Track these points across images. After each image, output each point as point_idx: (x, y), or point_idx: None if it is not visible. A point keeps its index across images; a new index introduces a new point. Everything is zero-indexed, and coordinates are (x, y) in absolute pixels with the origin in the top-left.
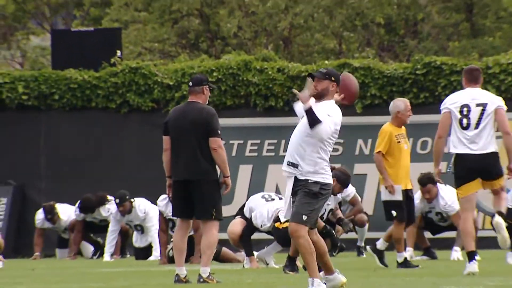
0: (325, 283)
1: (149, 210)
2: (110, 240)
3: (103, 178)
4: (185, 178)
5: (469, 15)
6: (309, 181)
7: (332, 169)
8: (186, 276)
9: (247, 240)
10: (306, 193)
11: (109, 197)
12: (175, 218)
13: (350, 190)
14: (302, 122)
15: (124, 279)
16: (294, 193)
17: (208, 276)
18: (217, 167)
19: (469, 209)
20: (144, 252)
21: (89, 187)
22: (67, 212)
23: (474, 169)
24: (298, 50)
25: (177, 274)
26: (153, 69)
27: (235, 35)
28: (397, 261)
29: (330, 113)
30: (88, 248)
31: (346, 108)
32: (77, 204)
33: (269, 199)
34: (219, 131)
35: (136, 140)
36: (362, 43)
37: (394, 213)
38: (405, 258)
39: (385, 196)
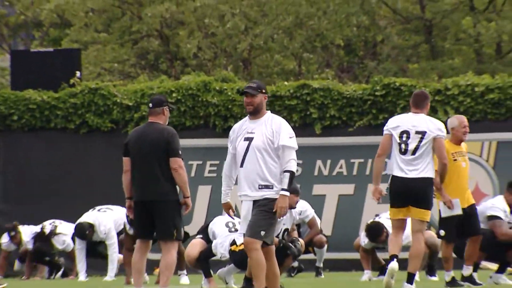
0: None
1: (110, 229)
2: (80, 258)
3: (63, 199)
4: (145, 199)
5: (428, 37)
6: (270, 199)
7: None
8: None
9: (205, 262)
10: (265, 210)
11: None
12: None
13: (309, 212)
14: (256, 145)
15: None
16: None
17: None
18: (177, 187)
19: (397, 229)
20: None
21: (50, 208)
22: (31, 233)
23: (404, 193)
24: (258, 71)
25: None
26: (112, 90)
27: (195, 56)
28: (445, 280)
29: (290, 134)
30: (43, 269)
31: (305, 129)
32: (29, 236)
33: (232, 229)
34: (180, 152)
35: (95, 160)
36: (321, 64)
37: (442, 232)
38: (453, 277)
39: (445, 212)
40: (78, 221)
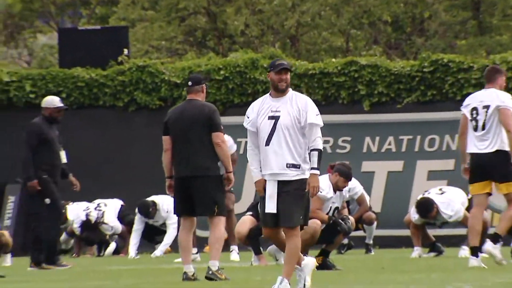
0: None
1: (171, 208)
2: (134, 239)
3: (111, 176)
4: (186, 174)
5: (476, 13)
6: (299, 180)
7: (332, 166)
8: (194, 273)
9: (255, 239)
10: (297, 194)
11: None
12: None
13: (358, 189)
14: (284, 123)
15: (133, 277)
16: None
17: (217, 270)
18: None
19: (478, 205)
20: None
21: (98, 184)
22: (75, 212)
23: (481, 168)
24: (305, 48)
25: (185, 272)
26: (160, 67)
27: (242, 33)
28: None
29: (316, 112)
30: (93, 246)
31: (354, 106)
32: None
33: None
34: (221, 126)
35: (143, 138)
36: (369, 41)
37: None
38: None
39: None
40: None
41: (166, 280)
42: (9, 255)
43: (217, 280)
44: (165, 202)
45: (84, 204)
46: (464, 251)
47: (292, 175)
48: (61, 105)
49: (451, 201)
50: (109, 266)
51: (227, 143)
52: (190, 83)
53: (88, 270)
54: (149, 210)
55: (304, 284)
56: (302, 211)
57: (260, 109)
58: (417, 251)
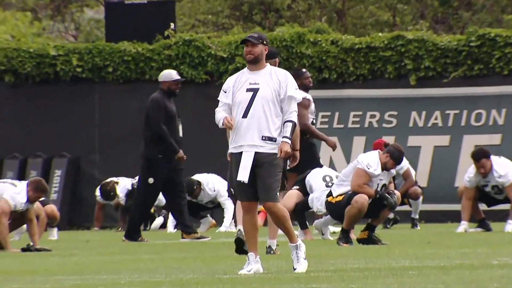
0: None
1: (218, 186)
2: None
3: None
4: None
5: None
6: (275, 155)
7: (386, 145)
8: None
9: (301, 214)
10: (274, 169)
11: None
12: None
13: (404, 163)
14: (263, 95)
15: (178, 251)
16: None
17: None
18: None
19: None
20: None
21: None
22: (124, 187)
23: None
24: (352, 22)
25: (269, 246)
26: (206, 42)
27: (289, 7)
28: None
29: (296, 86)
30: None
31: (400, 81)
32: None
33: (330, 183)
34: None
35: (190, 113)
36: (416, 16)
37: None
38: None
39: None
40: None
41: (211, 254)
42: (55, 229)
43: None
44: (210, 181)
45: (127, 180)
46: (511, 225)
47: (268, 148)
48: (178, 77)
49: (505, 163)
50: (155, 240)
51: None
52: None
53: (133, 243)
54: (194, 189)
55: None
56: (279, 185)
57: (237, 82)
58: (463, 226)
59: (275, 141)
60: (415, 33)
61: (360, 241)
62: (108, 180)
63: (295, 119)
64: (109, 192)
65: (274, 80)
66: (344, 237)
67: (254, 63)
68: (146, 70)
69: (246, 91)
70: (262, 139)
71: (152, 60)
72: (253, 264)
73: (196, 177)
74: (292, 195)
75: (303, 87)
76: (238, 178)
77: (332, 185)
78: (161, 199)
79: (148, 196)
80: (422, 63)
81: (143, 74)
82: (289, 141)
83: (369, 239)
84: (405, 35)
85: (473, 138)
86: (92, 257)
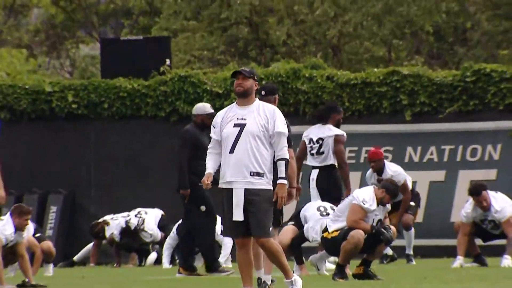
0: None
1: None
2: (166, 250)
3: (152, 186)
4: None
5: None
6: (265, 190)
7: (380, 180)
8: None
9: (297, 249)
10: (265, 205)
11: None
12: None
13: (402, 176)
14: (250, 131)
15: (174, 287)
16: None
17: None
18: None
19: None
20: None
21: (138, 194)
22: (118, 225)
23: None
24: (347, 58)
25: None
26: (202, 78)
27: (284, 43)
28: None
29: (284, 121)
30: (134, 256)
31: (395, 116)
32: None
33: (324, 213)
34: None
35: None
36: (411, 51)
37: None
38: None
39: None
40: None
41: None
42: (51, 265)
43: None
44: None
45: (123, 214)
46: (507, 260)
47: (257, 183)
48: (212, 111)
49: (502, 198)
50: (150, 276)
51: None
52: (263, 92)
53: (129, 279)
54: None
55: None
56: (271, 220)
57: (225, 117)
58: (458, 261)
59: (263, 176)
60: (410, 69)
61: (355, 276)
62: (100, 220)
63: (287, 156)
64: (97, 233)
65: (262, 115)
66: (340, 272)
67: (243, 96)
68: (142, 106)
69: (234, 126)
70: (250, 175)
71: (147, 96)
72: None
73: None
74: (288, 231)
75: (337, 123)
76: (234, 219)
77: (326, 215)
78: (156, 234)
79: (207, 222)
80: (418, 99)
81: (138, 110)
82: (286, 182)
83: (364, 275)
84: (400, 70)
85: (468, 173)
86: None
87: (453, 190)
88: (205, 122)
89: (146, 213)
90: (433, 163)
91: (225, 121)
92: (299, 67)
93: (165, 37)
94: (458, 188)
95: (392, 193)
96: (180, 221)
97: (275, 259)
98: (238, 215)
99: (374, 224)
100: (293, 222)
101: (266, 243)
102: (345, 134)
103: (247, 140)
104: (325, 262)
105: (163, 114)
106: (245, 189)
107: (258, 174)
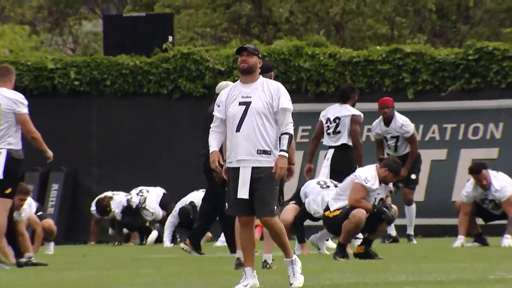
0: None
1: None
2: (168, 229)
3: (154, 164)
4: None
5: None
6: (271, 168)
7: (381, 159)
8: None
9: (299, 227)
10: (270, 183)
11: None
12: None
13: (410, 128)
14: (256, 109)
15: (175, 266)
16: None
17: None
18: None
19: None
20: None
21: (140, 172)
22: (119, 203)
23: None
24: (350, 35)
25: (264, 261)
26: (204, 55)
27: (287, 20)
28: None
29: (288, 97)
30: (136, 235)
31: (398, 94)
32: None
33: (324, 186)
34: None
35: (187, 126)
36: (414, 29)
37: None
38: None
39: None
40: (180, 206)
41: (209, 269)
42: (52, 244)
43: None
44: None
45: (124, 195)
46: (508, 239)
47: (264, 161)
48: None
49: (502, 178)
50: (152, 255)
51: None
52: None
53: (130, 258)
54: (190, 217)
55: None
56: (276, 199)
57: (229, 96)
58: (459, 240)
59: (270, 154)
60: (413, 47)
61: (356, 255)
62: (103, 195)
63: (291, 131)
64: (104, 208)
65: (266, 92)
66: (341, 251)
67: (248, 73)
68: (144, 83)
69: (239, 105)
70: (257, 153)
71: (149, 73)
72: (250, 279)
73: (190, 197)
74: (290, 209)
75: (354, 103)
76: (239, 196)
77: (326, 187)
78: (157, 213)
79: (213, 204)
80: (420, 77)
81: (141, 87)
82: (286, 155)
83: (365, 254)
84: (403, 48)
85: (470, 152)
86: (88, 271)
87: (455, 169)
88: None
89: (147, 191)
90: (434, 142)
91: (229, 99)
92: (302, 45)
93: (167, 14)
94: (459, 167)
95: (395, 171)
96: (182, 200)
97: (277, 239)
98: (243, 193)
99: (376, 203)
100: (294, 201)
101: (270, 222)
102: (362, 115)
103: (253, 118)
104: (327, 240)
105: (165, 91)
106: (252, 168)
107: (265, 152)
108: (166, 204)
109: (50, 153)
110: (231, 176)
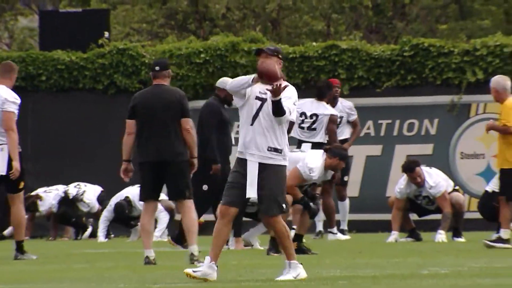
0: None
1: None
2: (102, 224)
3: (90, 159)
4: (159, 159)
5: None
6: (280, 166)
7: (327, 150)
8: (154, 258)
9: (237, 221)
10: (279, 181)
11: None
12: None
13: (355, 112)
14: (269, 106)
15: (109, 261)
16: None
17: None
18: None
19: None
20: None
21: (76, 168)
22: (48, 201)
23: None
24: (286, 31)
25: (146, 257)
26: (140, 50)
27: (224, 16)
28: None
29: (289, 95)
30: (69, 230)
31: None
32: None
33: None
34: (189, 112)
35: (123, 121)
36: (350, 25)
37: None
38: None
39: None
40: (116, 201)
41: (140, 263)
42: None
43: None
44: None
45: (61, 187)
46: (441, 235)
47: (274, 160)
48: None
49: (436, 174)
50: (86, 249)
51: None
52: (157, 68)
53: (64, 253)
54: (125, 212)
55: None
56: (282, 197)
57: (254, 86)
58: (393, 236)
59: (281, 152)
60: (348, 43)
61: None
62: (34, 193)
63: (294, 118)
64: (28, 207)
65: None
66: (274, 247)
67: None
68: (80, 79)
69: (255, 99)
70: (268, 150)
71: (85, 68)
72: (205, 268)
73: (125, 192)
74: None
75: (332, 99)
76: (248, 196)
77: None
78: (93, 205)
79: (199, 203)
80: (356, 73)
81: (76, 82)
82: (277, 98)
83: (298, 249)
84: (339, 44)
85: (405, 148)
86: (22, 266)
87: (389, 164)
88: (227, 98)
89: (85, 185)
90: (369, 138)
91: (254, 89)
92: (238, 41)
93: (103, 10)
94: (394, 162)
95: (345, 158)
96: (117, 195)
97: (278, 239)
98: (252, 192)
99: (307, 185)
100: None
101: (271, 220)
102: (338, 114)
103: (266, 115)
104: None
105: (101, 87)
106: (259, 164)
107: (275, 150)
108: (102, 201)
109: (16, 165)
110: (237, 164)
